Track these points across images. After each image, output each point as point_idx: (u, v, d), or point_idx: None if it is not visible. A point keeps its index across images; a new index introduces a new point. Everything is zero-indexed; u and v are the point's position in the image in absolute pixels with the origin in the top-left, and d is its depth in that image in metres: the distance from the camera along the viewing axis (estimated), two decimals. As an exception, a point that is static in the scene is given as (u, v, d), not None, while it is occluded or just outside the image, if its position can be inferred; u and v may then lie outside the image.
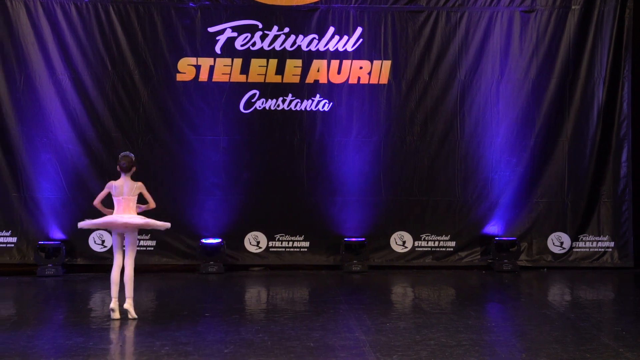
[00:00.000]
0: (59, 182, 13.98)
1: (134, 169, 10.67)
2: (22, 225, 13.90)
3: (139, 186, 10.66)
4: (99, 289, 13.05)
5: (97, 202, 10.67)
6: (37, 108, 13.90)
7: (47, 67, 13.84)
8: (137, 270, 13.94)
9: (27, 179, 13.89)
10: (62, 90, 13.91)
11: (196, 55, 14.12)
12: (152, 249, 14.25)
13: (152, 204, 10.67)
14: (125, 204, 10.54)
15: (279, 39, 14.22)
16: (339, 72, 14.31)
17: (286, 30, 14.23)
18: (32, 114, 13.89)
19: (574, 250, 14.56)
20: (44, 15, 13.82)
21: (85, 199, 13.83)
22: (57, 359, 8.78)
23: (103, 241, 14.08)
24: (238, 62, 14.18)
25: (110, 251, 14.07)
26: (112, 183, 10.59)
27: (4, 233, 13.92)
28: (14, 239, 13.90)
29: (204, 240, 14.15)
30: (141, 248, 14.12)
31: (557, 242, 14.58)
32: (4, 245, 13.95)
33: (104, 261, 14.03)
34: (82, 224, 10.57)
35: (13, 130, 13.87)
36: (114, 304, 10.54)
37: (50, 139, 13.94)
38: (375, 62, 14.33)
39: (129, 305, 10.59)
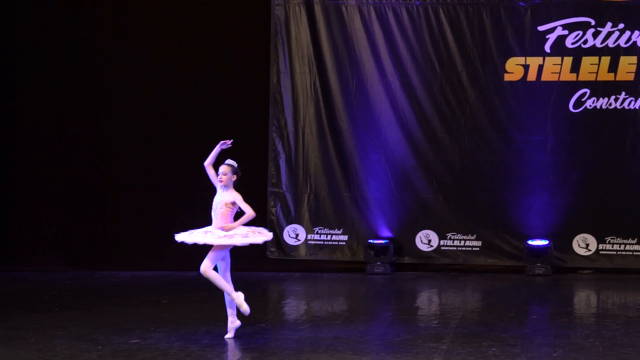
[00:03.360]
0: (387, 182, 14.30)
1: (233, 178, 9.38)
2: (353, 224, 14.28)
3: (231, 197, 9.34)
4: (426, 288, 13.25)
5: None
6: (367, 110, 14.29)
7: (378, 70, 14.19)
8: (463, 270, 14.18)
9: (357, 179, 14.31)
10: (391, 92, 14.21)
11: (525, 54, 13.95)
12: (478, 249, 14.24)
13: (249, 213, 9.25)
14: (215, 218, 9.49)
15: (613, 35, 13.75)
16: (677, 68, 13.64)
17: (620, 26, 13.72)
18: (362, 116, 14.30)
19: None
20: (376, 19, 14.16)
21: (412, 200, 14.11)
22: (386, 355, 8.97)
23: (429, 240, 14.24)
24: (568, 60, 13.87)
25: (437, 251, 14.23)
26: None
27: (337, 231, 14.41)
28: (345, 237, 14.34)
29: (530, 242, 13.95)
30: (467, 248, 14.18)
31: None
32: (337, 243, 14.46)
33: (430, 260, 14.23)
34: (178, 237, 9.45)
35: (345, 132, 14.33)
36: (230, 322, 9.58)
37: (380, 140, 14.28)
38: None
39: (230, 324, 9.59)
